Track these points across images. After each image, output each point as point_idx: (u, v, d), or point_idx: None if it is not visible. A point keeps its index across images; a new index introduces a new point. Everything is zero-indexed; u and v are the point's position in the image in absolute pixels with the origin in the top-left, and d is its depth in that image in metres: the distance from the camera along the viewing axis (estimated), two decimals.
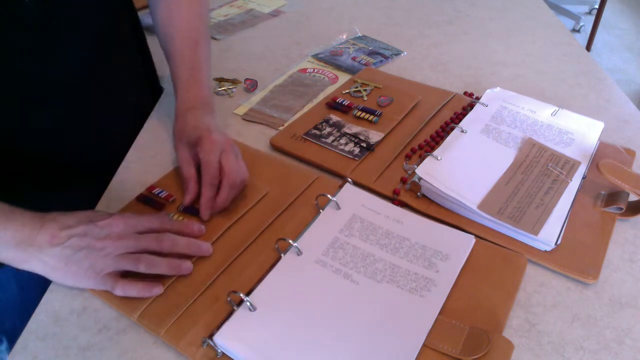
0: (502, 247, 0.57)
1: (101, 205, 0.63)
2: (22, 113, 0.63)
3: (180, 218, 0.59)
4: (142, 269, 0.51)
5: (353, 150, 0.70)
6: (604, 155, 0.70)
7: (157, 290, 0.51)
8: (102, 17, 0.69)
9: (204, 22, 0.76)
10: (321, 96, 0.84)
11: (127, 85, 0.76)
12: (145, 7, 1.19)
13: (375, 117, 0.76)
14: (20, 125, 0.64)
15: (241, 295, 0.49)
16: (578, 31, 3.04)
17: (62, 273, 0.50)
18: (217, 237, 0.57)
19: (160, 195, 0.62)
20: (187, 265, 0.53)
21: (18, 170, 0.64)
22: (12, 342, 0.52)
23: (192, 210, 0.60)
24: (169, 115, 0.79)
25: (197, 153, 0.61)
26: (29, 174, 0.65)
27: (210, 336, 0.47)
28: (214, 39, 1.03)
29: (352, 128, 0.75)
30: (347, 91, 0.83)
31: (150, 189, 0.63)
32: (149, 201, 0.62)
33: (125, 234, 0.51)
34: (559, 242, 0.56)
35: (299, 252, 0.55)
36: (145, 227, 0.53)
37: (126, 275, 0.52)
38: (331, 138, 0.73)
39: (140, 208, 0.61)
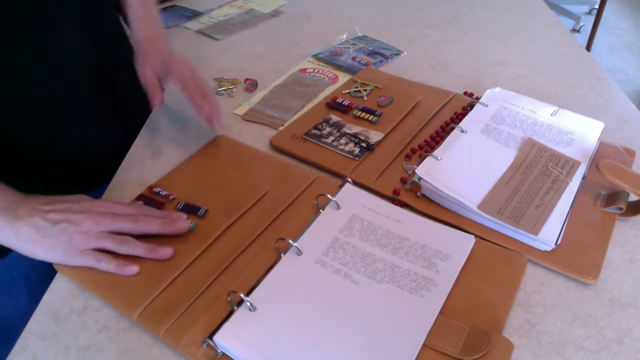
0: (502, 247, 0.57)
1: None
2: (18, 114, 0.63)
3: None
4: (123, 250, 0.52)
5: (353, 150, 0.70)
6: (604, 155, 0.70)
7: (133, 268, 0.52)
8: (103, 14, 0.69)
9: None
10: (321, 96, 0.84)
11: (126, 84, 0.77)
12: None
13: (375, 117, 0.76)
14: (16, 125, 0.63)
15: (241, 295, 0.49)
16: (578, 31, 3.04)
17: (35, 245, 0.50)
18: (217, 237, 0.57)
19: (160, 194, 0.62)
20: (164, 250, 0.53)
21: (10, 168, 0.64)
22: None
23: (190, 209, 0.60)
24: (168, 116, 0.79)
25: (168, 74, 0.69)
26: (22, 173, 0.65)
27: (210, 336, 0.47)
28: (214, 39, 1.03)
29: (352, 128, 0.75)
30: (347, 91, 0.83)
31: (150, 188, 0.63)
32: (148, 201, 0.61)
33: (103, 212, 0.53)
34: (559, 242, 0.56)
35: (299, 252, 0.55)
36: (121, 211, 0.54)
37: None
38: (331, 138, 0.73)
39: None
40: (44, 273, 0.54)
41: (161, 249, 0.53)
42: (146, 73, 0.68)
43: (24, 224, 0.50)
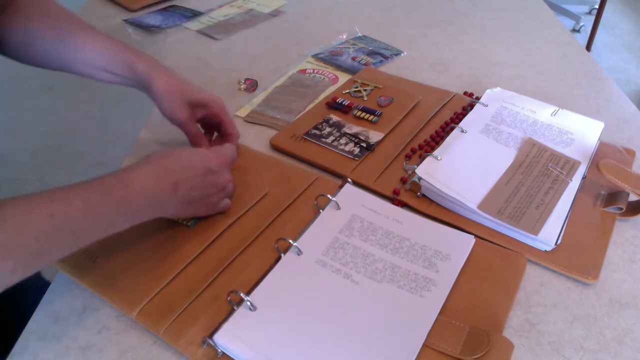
0: (502, 247, 0.57)
1: None
2: None
3: None
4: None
5: (353, 150, 0.70)
6: (604, 155, 0.70)
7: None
8: None
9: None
10: (322, 97, 0.84)
11: None
12: (144, 7, 1.19)
13: (375, 117, 0.76)
14: None
15: (241, 294, 0.49)
16: (578, 31, 3.04)
17: (182, 210, 0.56)
18: (217, 237, 0.57)
19: None
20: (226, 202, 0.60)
21: None
22: None
23: None
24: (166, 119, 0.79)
25: (210, 113, 0.67)
26: None
27: (211, 336, 0.47)
28: (214, 38, 1.03)
29: (352, 128, 0.75)
30: (347, 91, 0.83)
31: None
32: None
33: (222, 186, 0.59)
34: (559, 242, 0.56)
35: (299, 252, 0.55)
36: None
37: None
38: (331, 138, 0.73)
39: None
40: None
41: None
42: (183, 120, 0.64)
43: (170, 206, 0.53)
